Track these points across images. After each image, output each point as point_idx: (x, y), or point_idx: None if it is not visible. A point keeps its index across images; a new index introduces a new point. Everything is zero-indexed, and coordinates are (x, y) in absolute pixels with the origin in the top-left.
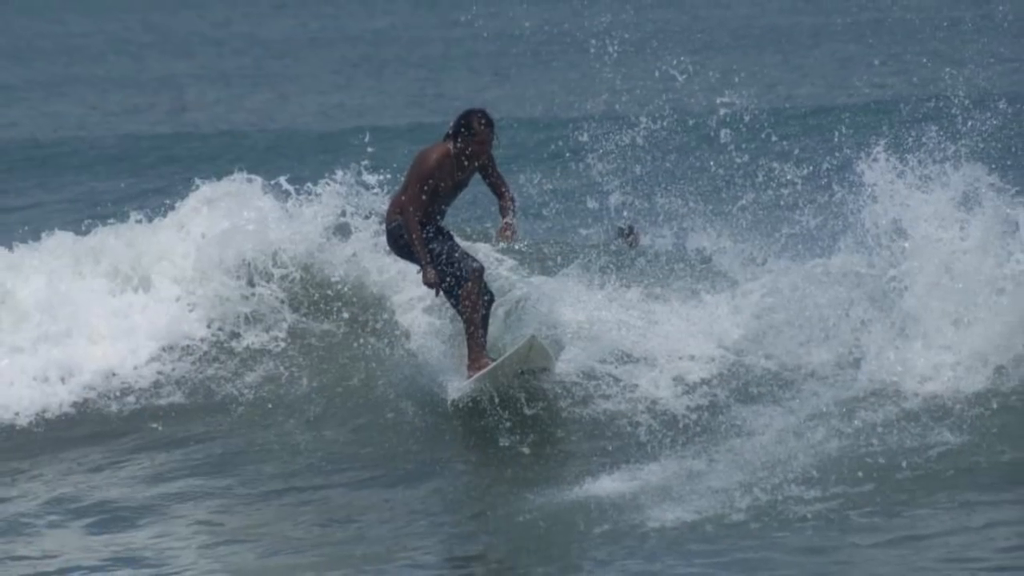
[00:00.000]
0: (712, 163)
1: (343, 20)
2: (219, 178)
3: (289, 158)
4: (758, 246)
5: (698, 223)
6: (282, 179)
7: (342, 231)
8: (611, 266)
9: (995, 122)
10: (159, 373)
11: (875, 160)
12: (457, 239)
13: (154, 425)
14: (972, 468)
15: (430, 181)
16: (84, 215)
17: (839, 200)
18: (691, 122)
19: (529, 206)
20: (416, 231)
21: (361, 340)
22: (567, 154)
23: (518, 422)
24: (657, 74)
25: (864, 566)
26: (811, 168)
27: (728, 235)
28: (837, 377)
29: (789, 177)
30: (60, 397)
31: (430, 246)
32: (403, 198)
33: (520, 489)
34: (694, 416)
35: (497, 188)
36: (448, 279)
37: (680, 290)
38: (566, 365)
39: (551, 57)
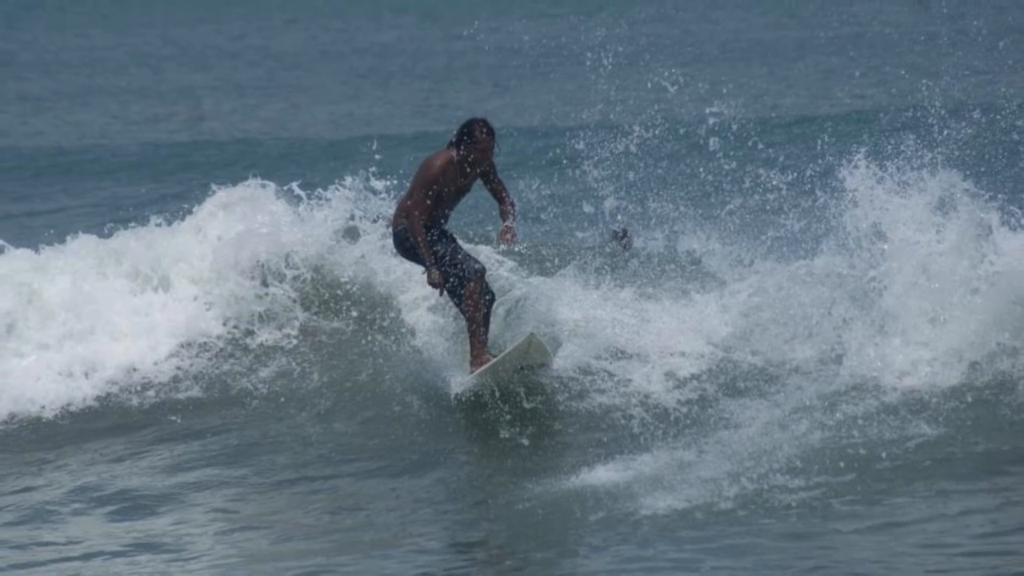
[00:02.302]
0: (702, 170)
1: (352, 34)
2: (234, 184)
3: (301, 165)
4: (745, 248)
5: (688, 226)
6: (294, 185)
7: (351, 234)
8: (606, 267)
9: (969, 131)
10: (178, 368)
11: (856, 167)
12: (460, 241)
13: (173, 418)
14: (948, 459)
15: (434, 186)
16: (107, 219)
17: (822, 205)
18: (682, 131)
19: (528, 210)
20: (421, 234)
21: (369, 337)
22: (564, 161)
23: (518, 415)
24: (649, 85)
25: (845, 551)
26: (795, 174)
27: (717, 238)
28: (820, 372)
29: (774, 183)
30: (84, 391)
31: (434, 248)
32: (409, 203)
33: (520, 479)
34: (684, 409)
35: (498, 193)
36: (452, 279)
37: (671, 290)
38: (563, 361)
39: (549, 69)
